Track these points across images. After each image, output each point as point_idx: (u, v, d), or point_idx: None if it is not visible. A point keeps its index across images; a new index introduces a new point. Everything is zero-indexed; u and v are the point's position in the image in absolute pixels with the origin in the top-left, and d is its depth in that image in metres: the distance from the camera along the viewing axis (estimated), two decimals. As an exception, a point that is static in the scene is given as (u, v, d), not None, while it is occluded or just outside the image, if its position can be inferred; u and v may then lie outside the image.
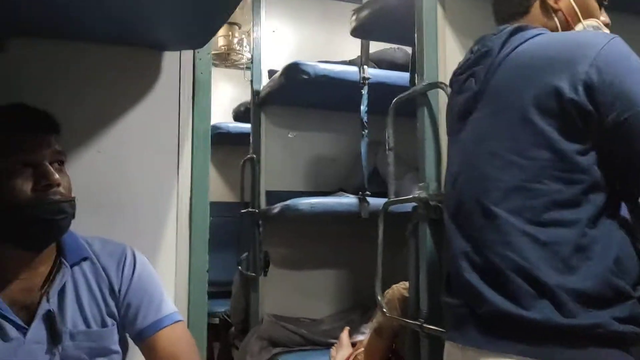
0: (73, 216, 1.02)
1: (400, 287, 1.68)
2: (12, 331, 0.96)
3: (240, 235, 2.78)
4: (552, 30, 1.06)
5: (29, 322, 0.98)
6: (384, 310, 1.59)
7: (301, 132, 2.70)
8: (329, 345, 2.31)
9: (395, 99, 1.67)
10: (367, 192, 2.30)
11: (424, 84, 1.53)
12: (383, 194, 2.04)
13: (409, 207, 1.64)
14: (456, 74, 1.19)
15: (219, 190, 3.37)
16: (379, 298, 1.62)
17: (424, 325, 1.44)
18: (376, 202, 2.27)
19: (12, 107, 1.02)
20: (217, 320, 2.97)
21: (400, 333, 1.66)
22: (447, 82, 1.31)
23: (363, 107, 2.28)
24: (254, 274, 2.52)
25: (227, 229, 2.81)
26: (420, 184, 1.54)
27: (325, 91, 2.45)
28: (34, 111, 1.02)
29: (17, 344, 0.96)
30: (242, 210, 2.69)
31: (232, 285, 2.84)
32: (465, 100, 1.10)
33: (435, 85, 1.51)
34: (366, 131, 2.27)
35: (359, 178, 2.41)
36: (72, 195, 1.02)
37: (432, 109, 1.55)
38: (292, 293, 2.61)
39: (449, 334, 1.00)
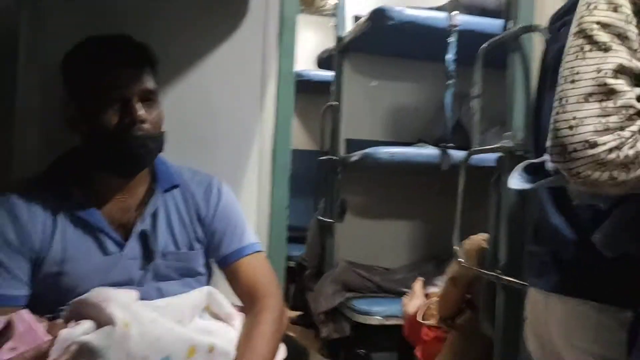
0: (159, 150, 1.07)
1: (479, 239, 1.65)
2: (111, 246, 1.05)
3: (318, 183, 2.83)
4: None
5: (125, 239, 1.06)
6: (461, 260, 1.58)
7: (384, 80, 2.65)
8: (401, 294, 2.33)
9: (484, 44, 1.60)
10: (449, 144, 2.24)
11: (518, 27, 1.44)
12: (464, 148, 1.99)
13: (490, 160, 1.60)
14: (553, 20, 1.11)
15: (297, 138, 3.41)
16: (457, 248, 1.60)
17: (501, 276, 1.42)
18: (457, 154, 2.22)
19: (112, 39, 1.04)
20: (292, 264, 3.07)
21: (475, 284, 1.65)
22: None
23: (450, 56, 2.19)
24: (330, 221, 2.57)
25: (305, 177, 2.86)
26: (507, 133, 1.49)
27: (411, 38, 2.38)
28: (131, 44, 1.04)
29: (116, 258, 1.04)
30: (321, 158, 2.72)
31: (307, 231, 2.91)
32: (558, 51, 1.03)
33: (529, 28, 1.42)
34: (452, 81, 2.20)
35: (441, 130, 2.35)
36: (162, 129, 1.06)
37: (525, 54, 1.47)
38: (367, 241, 2.64)
39: (533, 281, 0.98)
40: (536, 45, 1.45)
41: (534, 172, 0.88)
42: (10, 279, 0.96)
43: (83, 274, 1.01)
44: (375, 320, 2.24)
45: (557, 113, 0.75)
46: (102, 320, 0.87)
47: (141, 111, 1.00)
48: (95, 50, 1.03)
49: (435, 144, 2.37)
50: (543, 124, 1.08)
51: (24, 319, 0.83)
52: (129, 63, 1.01)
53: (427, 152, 2.32)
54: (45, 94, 1.20)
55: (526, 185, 0.86)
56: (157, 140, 1.05)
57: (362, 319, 2.25)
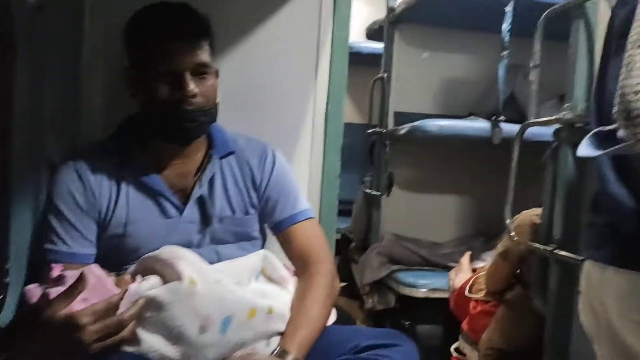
0: (211, 122, 1.08)
1: (531, 214, 1.62)
2: (171, 210, 1.08)
3: (366, 156, 2.82)
4: None
5: (184, 204, 1.09)
6: (512, 234, 1.56)
7: (435, 52, 2.60)
8: (447, 269, 2.32)
9: (546, 12, 1.54)
10: (501, 118, 2.19)
11: (583, -7, 1.38)
12: (517, 122, 1.94)
13: (544, 135, 1.55)
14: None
15: (345, 110, 3.40)
16: (508, 222, 1.58)
17: (555, 251, 1.39)
18: (509, 128, 2.17)
19: (171, 9, 1.03)
20: (338, 236, 3.10)
21: (526, 259, 1.62)
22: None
23: (505, 26, 2.13)
24: (377, 194, 2.57)
25: (352, 150, 2.85)
26: (566, 105, 1.44)
27: (465, 8, 2.31)
28: (189, 15, 1.04)
29: (175, 222, 1.08)
30: (369, 130, 2.71)
31: (353, 204, 2.92)
32: (626, 16, 0.98)
33: (595, -6, 1.37)
34: (506, 52, 2.13)
35: (493, 103, 2.30)
36: (215, 101, 1.06)
37: (589, 22, 1.41)
38: (413, 215, 2.63)
39: (590, 253, 0.96)
40: (601, 12, 1.39)
41: (602, 141, 0.86)
42: (79, 238, 1.01)
43: (145, 236, 1.05)
44: (421, 292, 2.25)
45: (624, 79, 0.73)
46: (169, 277, 0.91)
47: (192, 85, 1.00)
48: (153, 20, 1.03)
49: (487, 117, 2.32)
50: (607, 92, 1.04)
51: (95, 273, 0.87)
52: (184, 36, 1.01)
53: (478, 125, 2.28)
54: (109, 57, 1.23)
55: (596, 153, 0.84)
56: (208, 113, 1.05)
57: (407, 291, 2.26)
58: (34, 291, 0.85)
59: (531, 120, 1.57)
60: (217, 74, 1.08)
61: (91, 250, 1.03)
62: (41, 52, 1.06)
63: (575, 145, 1.40)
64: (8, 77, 1.01)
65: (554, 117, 1.46)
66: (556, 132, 1.47)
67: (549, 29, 1.51)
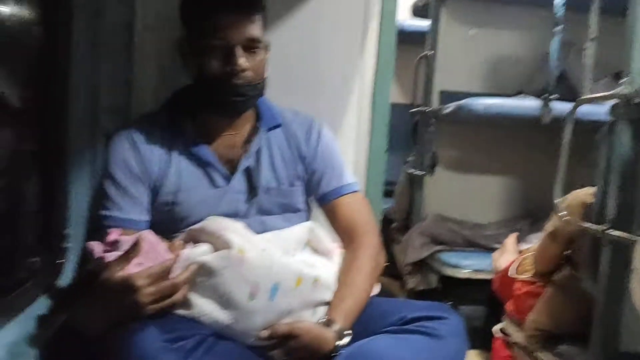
0: (259, 96, 1.09)
1: (582, 193, 1.57)
2: (219, 179, 1.10)
3: (409, 135, 2.79)
4: None
5: (232, 174, 1.11)
6: (562, 214, 1.51)
7: (483, 28, 2.53)
8: (490, 250, 2.29)
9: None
10: (553, 96, 2.12)
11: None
12: (569, 100, 1.87)
13: (597, 114, 1.50)
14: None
15: (389, 90, 3.36)
16: (557, 202, 1.53)
17: (608, 231, 1.35)
18: (561, 107, 2.10)
19: None
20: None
21: (576, 239, 1.58)
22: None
23: (559, 0, 2.05)
24: (421, 173, 2.54)
25: (394, 130, 2.83)
26: (623, 80, 1.38)
27: (514, -17, 2.24)
28: None
29: (223, 191, 1.10)
30: (413, 110, 2.67)
31: (395, 185, 2.90)
32: None
33: (659, -37, 1.29)
34: (560, 27, 2.06)
35: (544, 80, 2.23)
36: (264, 76, 1.07)
37: (650, -7, 1.34)
38: (457, 195, 2.59)
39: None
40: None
41: None
42: (134, 205, 1.04)
43: (194, 204, 1.08)
44: (464, 273, 2.23)
45: None
46: (218, 245, 0.93)
47: (242, 59, 1.01)
48: None
49: (536, 96, 2.25)
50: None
51: (149, 238, 0.90)
52: (236, 9, 1.02)
53: (527, 104, 2.21)
54: (161, 32, 1.26)
55: None
56: (256, 88, 1.07)
57: (450, 272, 2.24)
58: (95, 247, 0.88)
59: (586, 96, 1.52)
60: (267, 48, 1.09)
61: (145, 216, 1.06)
62: (96, 27, 1.09)
63: (632, 122, 1.36)
64: (66, 50, 1.04)
65: (609, 93, 1.40)
66: (612, 109, 1.41)
67: (603, 3, 1.45)
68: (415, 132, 2.77)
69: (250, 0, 1.05)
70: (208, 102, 1.08)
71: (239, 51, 1.01)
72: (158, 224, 1.06)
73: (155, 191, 1.07)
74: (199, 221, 1.03)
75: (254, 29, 1.03)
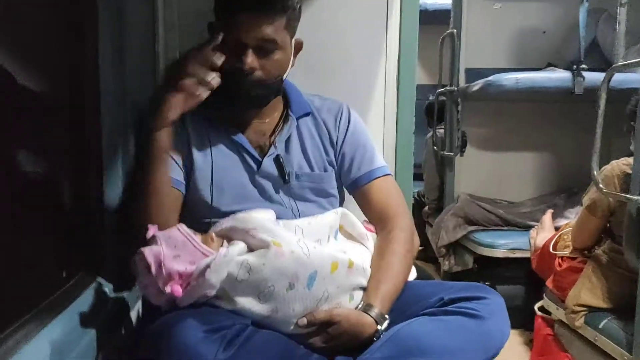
0: (274, 95, 1.09)
1: (621, 163, 1.52)
2: (252, 163, 1.10)
3: (435, 115, 2.75)
4: None
5: (262, 160, 1.11)
6: (600, 186, 1.47)
7: (508, 2, 2.46)
8: (527, 228, 2.26)
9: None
10: (583, 66, 2.06)
11: None
12: (601, 70, 1.81)
13: (631, 82, 1.44)
14: None
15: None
16: (595, 173, 1.49)
17: (650, 201, 1.31)
18: (592, 77, 2.04)
19: None
20: (410, 199, 3.07)
21: (616, 211, 1.54)
22: None
23: (585, -34, 1.98)
24: (450, 154, 2.51)
25: (418, 111, 2.80)
26: (660, 44, 1.33)
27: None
28: None
29: (256, 177, 1.10)
30: (439, 90, 2.63)
31: (419, 167, 2.87)
32: None
33: None
34: (587, -6, 1.99)
35: (574, 51, 2.17)
36: (280, 75, 1.06)
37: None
38: (489, 174, 2.55)
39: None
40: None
41: None
42: (173, 164, 1.05)
43: (228, 187, 1.08)
44: (500, 252, 2.20)
45: None
46: (253, 244, 0.94)
47: (250, 59, 1.01)
48: None
49: (567, 67, 2.19)
50: None
51: (184, 231, 0.91)
52: (252, 10, 1.01)
53: (558, 76, 2.16)
54: (183, 33, 1.27)
55: None
56: (268, 87, 1.06)
57: (486, 252, 2.22)
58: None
59: (620, 63, 1.47)
60: (293, 45, 1.08)
61: (182, 178, 1.06)
62: (120, 27, 1.10)
63: (671, 87, 1.31)
64: (94, 49, 1.05)
65: (645, 58, 1.35)
66: (648, 75, 1.36)
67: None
68: (428, 112, 2.74)
69: (270, 1, 1.02)
70: (225, 94, 1.08)
71: (249, 51, 1.01)
72: (193, 208, 1.06)
73: (191, 169, 1.07)
74: (231, 205, 1.04)
75: (270, 30, 1.01)
